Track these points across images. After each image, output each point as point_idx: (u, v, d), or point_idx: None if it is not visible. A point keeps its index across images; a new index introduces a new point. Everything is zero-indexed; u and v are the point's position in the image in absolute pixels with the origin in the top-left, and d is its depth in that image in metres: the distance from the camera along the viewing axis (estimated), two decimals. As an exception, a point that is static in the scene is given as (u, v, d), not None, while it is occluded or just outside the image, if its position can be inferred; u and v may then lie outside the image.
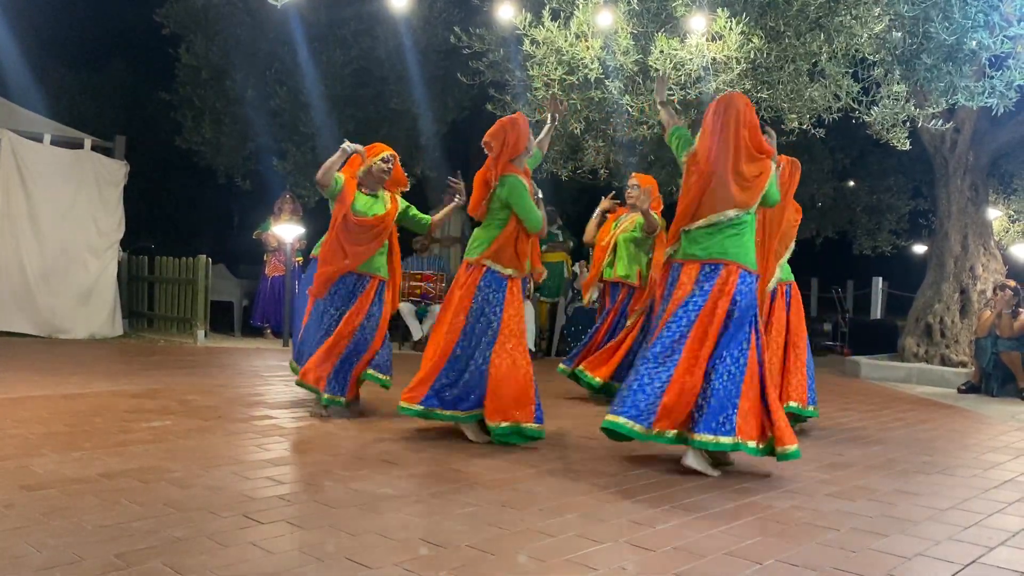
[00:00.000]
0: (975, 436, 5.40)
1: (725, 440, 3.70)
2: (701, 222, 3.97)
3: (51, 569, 2.35)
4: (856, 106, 6.55)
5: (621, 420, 3.77)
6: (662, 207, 6.62)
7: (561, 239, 10.37)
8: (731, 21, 6.06)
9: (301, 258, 10.04)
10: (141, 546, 2.56)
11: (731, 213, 3.93)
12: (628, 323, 6.33)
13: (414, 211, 5.45)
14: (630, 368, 6.28)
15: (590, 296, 6.78)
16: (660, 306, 4.14)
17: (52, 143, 9.36)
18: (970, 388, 7.71)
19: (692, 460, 3.86)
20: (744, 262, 3.93)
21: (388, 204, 5.24)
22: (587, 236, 6.76)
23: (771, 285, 4.85)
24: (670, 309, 3.95)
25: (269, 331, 10.13)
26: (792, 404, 5.02)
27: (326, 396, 4.98)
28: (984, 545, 2.96)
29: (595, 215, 6.73)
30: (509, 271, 4.49)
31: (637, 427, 3.74)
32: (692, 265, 3.98)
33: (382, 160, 5.24)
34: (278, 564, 2.47)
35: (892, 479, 3.97)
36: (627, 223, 6.48)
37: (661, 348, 3.86)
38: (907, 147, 6.62)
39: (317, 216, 11.20)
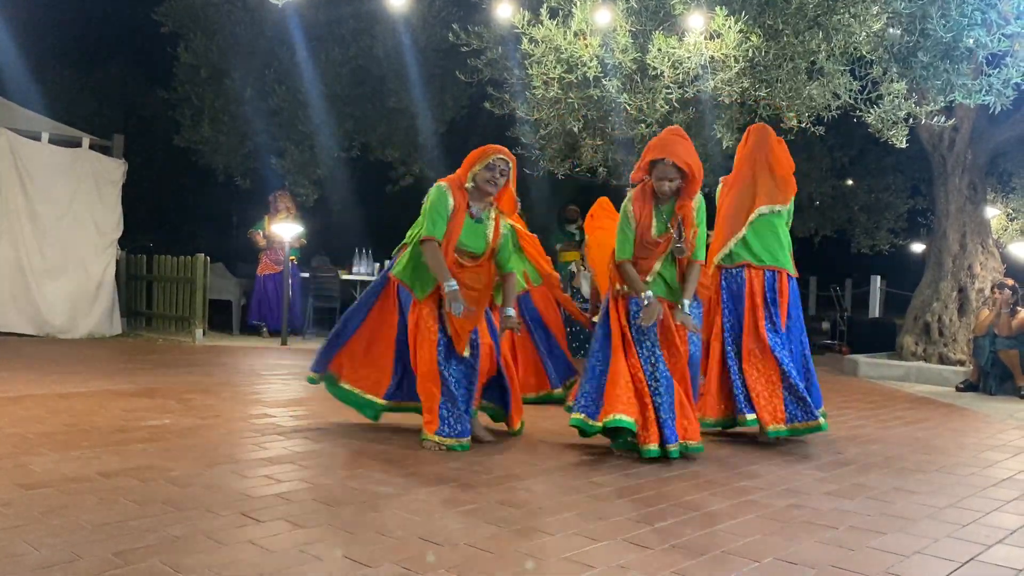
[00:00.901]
0: (973, 434, 5.40)
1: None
2: (750, 218, 4.59)
3: (49, 568, 2.35)
4: (855, 104, 6.55)
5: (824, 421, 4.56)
6: None
7: (578, 239, 10.30)
8: (729, 19, 6.06)
9: (294, 257, 10.03)
10: (139, 545, 2.56)
11: (772, 208, 4.61)
12: None
13: (510, 250, 4.36)
14: None
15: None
16: (724, 309, 4.62)
17: (50, 142, 9.35)
18: (968, 387, 7.71)
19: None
20: (790, 268, 4.62)
21: (491, 232, 4.23)
22: None
23: None
24: (764, 314, 4.55)
25: (265, 330, 10.11)
26: None
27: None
28: (982, 543, 2.96)
29: None
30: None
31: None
32: (757, 271, 4.56)
33: (486, 167, 4.11)
34: (276, 563, 2.47)
35: (890, 477, 3.98)
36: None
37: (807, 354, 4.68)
38: (906, 145, 6.62)
39: (315, 215, 11.21)
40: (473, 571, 2.48)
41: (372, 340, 4.54)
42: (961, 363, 8.52)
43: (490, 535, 2.82)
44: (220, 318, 10.70)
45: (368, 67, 10.38)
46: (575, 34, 6.49)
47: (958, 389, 7.73)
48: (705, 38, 6.26)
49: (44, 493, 3.08)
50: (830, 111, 6.61)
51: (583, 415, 4.12)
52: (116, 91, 14.59)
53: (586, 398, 4.15)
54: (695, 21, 6.23)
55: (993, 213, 10.13)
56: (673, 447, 3.99)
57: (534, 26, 6.57)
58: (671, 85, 6.51)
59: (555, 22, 6.54)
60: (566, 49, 6.53)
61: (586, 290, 8.30)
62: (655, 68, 6.43)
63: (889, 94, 6.35)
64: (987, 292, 8.47)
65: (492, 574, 2.47)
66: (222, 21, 10.54)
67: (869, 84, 6.56)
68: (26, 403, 5.00)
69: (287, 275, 9.71)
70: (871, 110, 6.48)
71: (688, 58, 6.30)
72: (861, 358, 9.17)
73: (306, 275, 10.68)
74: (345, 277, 10.44)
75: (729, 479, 3.79)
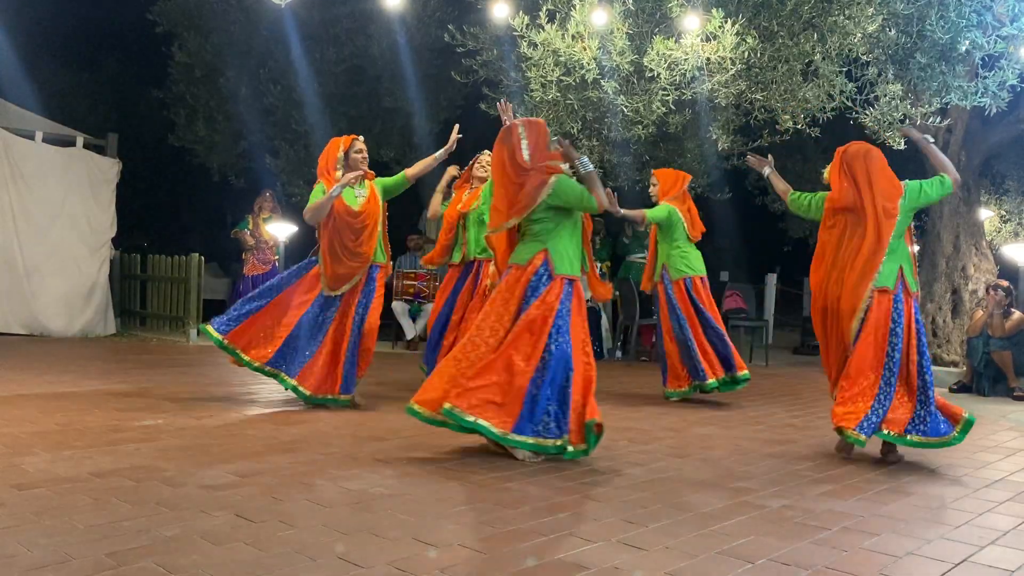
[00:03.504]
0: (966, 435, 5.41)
1: None
2: None
3: (42, 568, 2.34)
4: (851, 105, 6.57)
5: None
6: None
7: None
8: (725, 22, 6.07)
9: (277, 257, 10.02)
10: (132, 545, 2.55)
11: None
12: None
13: (387, 180, 5.41)
14: None
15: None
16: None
17: (44, 141, 9.33)
18: (962, 388, 7.73)
19: None
20: None
21: (369, 193, 5.23)
22: (432, 211, 6.28)
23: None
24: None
25: None
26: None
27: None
28: (975, 544, 2.97)
29: (441, 186, 6.26)
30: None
31: None
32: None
33: (356, 151, 5.20)
34: (270, 563, 2.46)
35: (883, 478, 3.98)
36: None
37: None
38: (903, 146, 6.65)
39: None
40: (467, 572, 2.48)
41: (278, 317, 5.12)
42: (955, 364, 8.55)
43: (484, 536, 2.81)
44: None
45: (363, 67, 10.36)
46: (573, 37, 6.49)
47: (952, 390, 7.74)
48: (701, 40, 6.27)
49: (37, 493, 3.07)
50: (825, 112, 6.62)
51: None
52: (110, 90, 14.54)
53: None
54: (691, 23, 6.23)
55: (986, 215, 10.16)
56: None
57: (532, 30, 6.56)
58: (668, 87, 6.52)
59: (553, 25, 6.54)
60: (564, 52, 6.53)
61: None
62: (652, 70, 6.44)
63: (885, 95, 6.37)
64: (980, 293, 8.49)
65: (486, 575, 2.47)
66: (217, 20, 10.52)
67: (866, 85, 6.58)
68: (19, 403, 4.98)
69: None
70: (867, 111, 6.50)
71: (684, 60, 6.31)
72: (855, 359, 9.17)
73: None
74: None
75: (723, 480, 3.79)
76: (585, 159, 4.12)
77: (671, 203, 6.27)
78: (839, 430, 4.21)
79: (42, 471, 3.40)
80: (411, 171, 5.48)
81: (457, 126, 5.48)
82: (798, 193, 4.76)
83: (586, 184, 4.06)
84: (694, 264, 6.26)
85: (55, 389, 5.56)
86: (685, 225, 6.25)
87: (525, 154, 4.00)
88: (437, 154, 5.48)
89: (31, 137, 9.24)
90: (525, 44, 6.62)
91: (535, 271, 3.97)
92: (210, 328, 5.10)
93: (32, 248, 9.12)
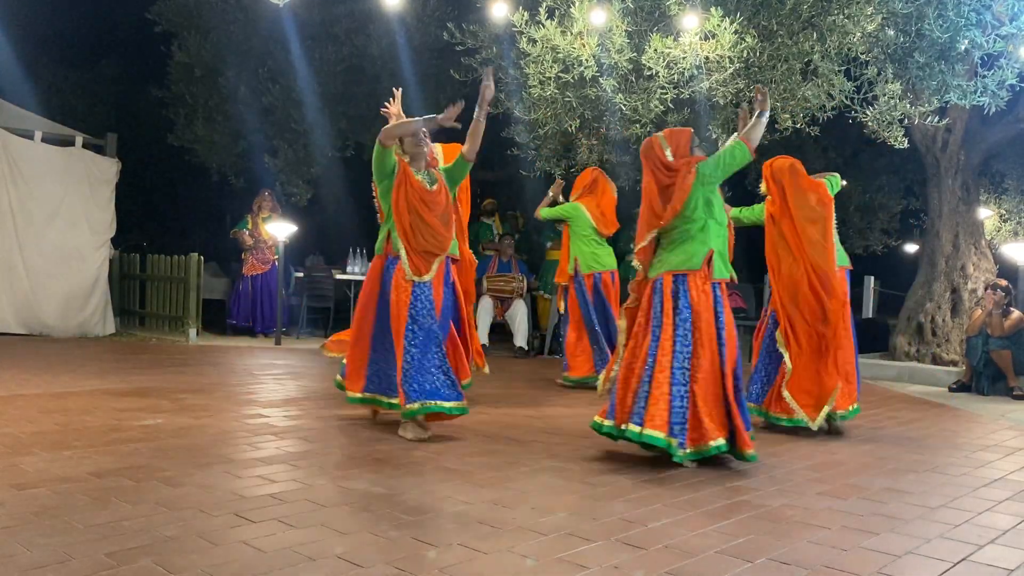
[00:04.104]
0: (966, 435, 5.42)
1: None
2: None
3: (41, 568, 2.34)
4: (851, 104, 6.57)
5: None
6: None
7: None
8: (724, 20, 6.07)
9: (276, 257, 10.01)
10: (132, 545, 2.55)
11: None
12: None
13: (449, 167, 5.14)
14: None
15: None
16: None
17: (43, 140, 9.32)
18: (961, 387, 7.73)
19: None
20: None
21: (438, 182, 4.86)
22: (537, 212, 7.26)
23: None
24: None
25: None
26: None
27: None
28: (974, 543, 2.97)
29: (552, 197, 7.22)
30: None
31: None
32: None
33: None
34: (269, 563, 2.47)
35: (883, 477, 3.99)
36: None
37: None
38: (904, 145, 6.64)
39: (309, 215, 11.18)
40: (467, 571, 2.48)
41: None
42: (954, 363, 8.55)
43: (484, 535, 2.81)
44: (213, 318, 10.67)
45: (362, 66, 10.35)
46: (575, 35, 6.48)
47: (951, 389, 7.75)
48: (700, 39, 6.26)
49: (36, 493, 3.07)
50: (824, 112, 6.62)
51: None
52: (109, 90, 14.52)
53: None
54: (690, 22, 6.23)
55: (986, 214, 10.16)
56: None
57: (532, 26, 6.56)
58: (666, 85, 6.51)
59: (552, 22, 6.53)
60: (563, 49, 6.53)
61: None
62: (650, 68, 6.43)
63: (884, 95, 6.37)
64: (980, 293, 8.49)
65: (486, 575, 2.47)
66: (216, 20, 10.50)
67: (865, 85, 6.58)
68: (18, 403, 4.98)
69: (281, 275, 9.72)
70: (867, 111, 6.50)
71: (683, 59, 6.30)
72: (854, 358, 9.17)
73: (300, 274, 10.68)
74: (340, 277, 10.43)
75: (722, 479, 3.80)
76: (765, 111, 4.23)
77: (580, 200, 7.02)
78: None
79: (41, 471, 3.40)
80: (466, 148, 5.07)
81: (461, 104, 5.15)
82: (737, 209, 5.47)
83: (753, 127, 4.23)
84: (603, 260, 6.93)
85: (54, 389, 5.56)
86: (593, 222, 6.90)
87: (668, 155, 4.25)
88: (473, 122, 5.16)
89: (30, 137, 9.23)
90: (524, 40, 6.61)
91: (709, 277, 4.10)
92: (395, 401, 4.49)
93: (31, 248, 9.11)
